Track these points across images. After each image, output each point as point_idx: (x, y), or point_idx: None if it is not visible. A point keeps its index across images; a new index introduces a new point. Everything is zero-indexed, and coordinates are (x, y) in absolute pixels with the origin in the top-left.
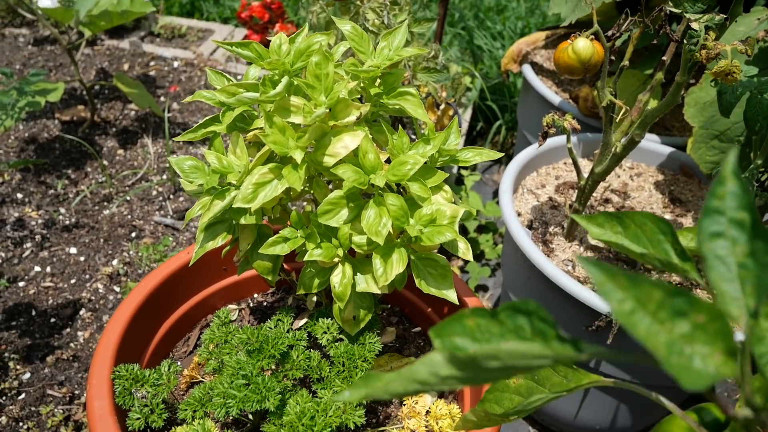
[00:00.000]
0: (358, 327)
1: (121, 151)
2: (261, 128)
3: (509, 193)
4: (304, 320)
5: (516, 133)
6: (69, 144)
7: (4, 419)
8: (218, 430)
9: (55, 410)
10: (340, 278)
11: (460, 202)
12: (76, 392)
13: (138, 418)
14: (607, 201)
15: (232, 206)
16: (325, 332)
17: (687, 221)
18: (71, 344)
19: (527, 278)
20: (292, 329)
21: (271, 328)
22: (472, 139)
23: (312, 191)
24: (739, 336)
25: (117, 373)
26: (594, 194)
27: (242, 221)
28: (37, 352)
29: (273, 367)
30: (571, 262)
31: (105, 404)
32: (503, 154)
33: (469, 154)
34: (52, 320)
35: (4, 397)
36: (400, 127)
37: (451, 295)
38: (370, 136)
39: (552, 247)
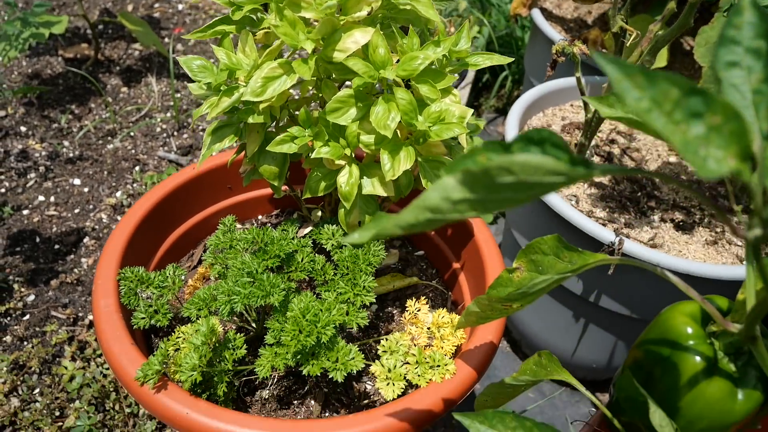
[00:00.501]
0: None
1: (125, 89)
2: (269, 28)
3: (515, 130)
4: (309, 229)
5: (522, 87)
6: (72, 80)
7: (9, 338)
8: (222, 328)
9: (59, 330)
10: (346, 178)
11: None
12: (80, 314)
13: (143, 318)
14: (612, 141)
15: (241, 101)
16: (330, 238)
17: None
18: (75, 270)
19: (530, 212)
20: (296, 236)
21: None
22: (478, 90)
23: (321, 93)
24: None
25: (122, 274)
26: (600, 135)
27: (250, 120)
28: (42, 276)
29: (277, 266)
30: (575, 197)
31: (111, 302)
32: (513, 59)
33: (479, 59)
34: (56, 247)
35: (8, 318)
36: (411, 28)
37: None
38: (381, 32)
39: None
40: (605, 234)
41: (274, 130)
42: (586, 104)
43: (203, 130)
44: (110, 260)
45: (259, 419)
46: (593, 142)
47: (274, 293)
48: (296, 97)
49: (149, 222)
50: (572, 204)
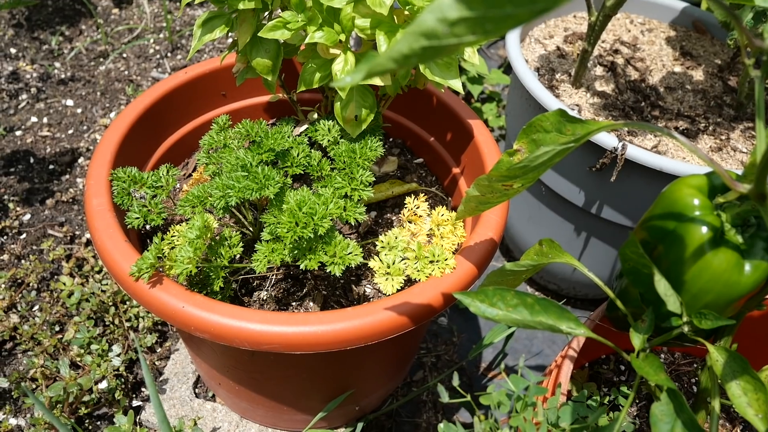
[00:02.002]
0: (360, 128)
1: (116, 10)
2: None
3: (517, 39)
4: (305, 127)
5: None
6: (62, 2)
7: (6, 257)
8: (218, 225)
9: (57, 248)
10: (342, 66)
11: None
12: (77, 232)
13: (137, 217)
14: (616, 51)
15: None
16: (326, 134)
17: (697, 73)
18: (70, 189)
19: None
20: (292, 135)
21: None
22: None
23: None
24: None
25: (115, 174)
26: (603, 45)
27: (240, 6)
28: (37, 195)
29: (272, 161)
30: (577, 106)
31: (103, 201)
32: None
33: None
34: (51, 167)
35: (5, 237)
36: None
37: (456, 84)
38: None
39: (558, 93)
40: (608, 140)
41: (266, 20)
42: (589, 7)
43: (198, 51)
44: (102, 161)
45: (255, 312)
46: (597, 52)
47: (269, 185)
48: None
49: (141, 126)
50: (575, 113)
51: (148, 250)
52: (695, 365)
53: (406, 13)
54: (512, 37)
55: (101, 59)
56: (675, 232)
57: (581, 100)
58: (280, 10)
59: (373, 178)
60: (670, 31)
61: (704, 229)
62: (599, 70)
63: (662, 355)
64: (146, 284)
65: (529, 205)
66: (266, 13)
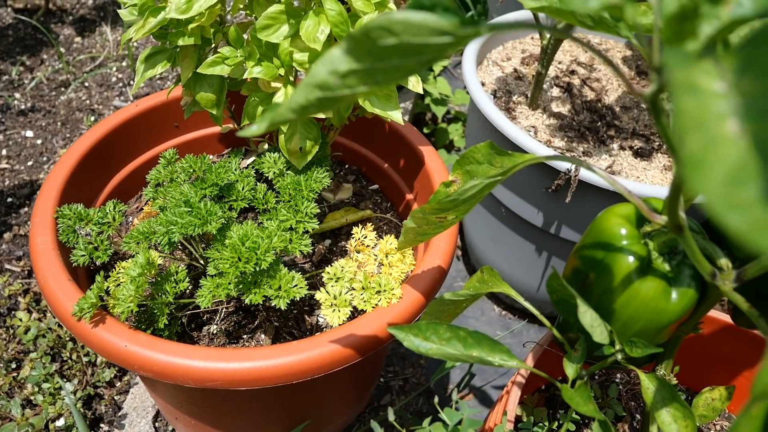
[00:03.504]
0: (305, 159)
1: (78, 39)
2: None
3: (473, 62)
4: (252, 159)
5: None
6: (23, 31)
7: None
8: (162, 261)
9: (14, 282)
10: (282, 99)
11: (428, 82)
12: None
13: (83, 255)
14: (572, 72)
15: (168, 20)
16: (272, 166)
17: None
18: (29, 222)
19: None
20: (239, 168)
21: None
22: None
23: (253, 13)
24: None
25: (60, 212)
26: (560, 66)
27: (181, 42)
28: None
29: (217, 195)
30: (533, 128)
31: (48, 240)
32: None
33: None
34: (9, 200)
35: None
36: None
37: (395, 116)
38: None
39: (515, 115)
40: (561, 162)
41: (209, 55)
42: (541, 31)
43: (161, 78)
44: (48, 198)
45: (198, 348)
46: (553, 73)
47: (211, 221)
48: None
49: (91, 160)
50: (530, 135)
51: (90, 290)
52: None
53: None
54: (468, 60)
55: (62, 89)
56: (603, 261)
57: (537, 122)
58: (223, 44)
59: (318, 210)
60: (626, 51)
61: (631, 259)
62: (556, 91)
63: (618, 375)
64: (89, 324)
65: (491, 226)
66: (210, 47)
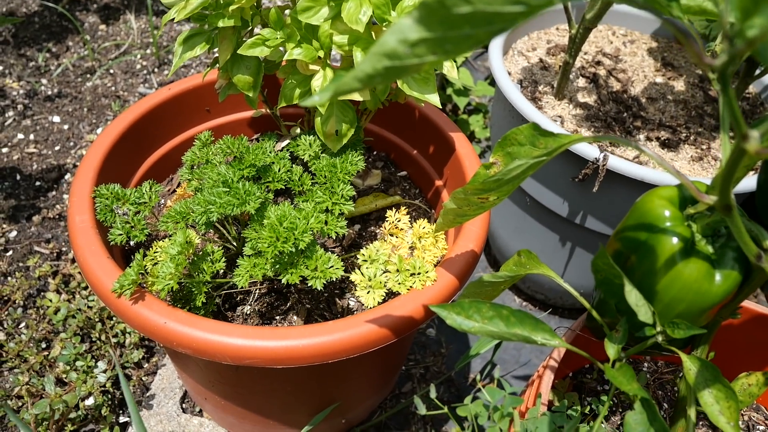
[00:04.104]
0: (340, 142)
1: (103, 27)
2: None
3: (499, 52)
4: (286, 142)
5: None
6: (49, 18)
7: None
8: (200, 240)
9: (43, 264)
10: (321, 82)
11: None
12: (63, 249)
13: (120, 234)
14: (598, 63)
15: (210, 1)
16: (307, 149)
17: (679, 84)
18: (57, 206)
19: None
20: (274, 150)
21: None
22: None
23: None
24: None
25: (98, 191)
26: (586, 57)
27: (221, 24)
28: (23, 212)
29: (253, 176)
30: (560, 117)
31: (86, 218)
32: None
33: None
34: (38, 183)
35: None
36: None
37: (434, 99)
38: None
39: (541, 104)
40: (590, 151)
41: (247, 38)
42: (570, 20)
43: (185, 66)
44: (85, 178)
45: (237, 326)
46: (579, 64)
47: (249, 201)
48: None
49: (125, 143)
50: (557, 125)
51: (129, 267)
52: (677, 373)
53: (384, 29)
54: (495, 49)
55: (88, 75)
56: (647, 243)
57: (564, 112)
58: (260, 27)
59: (354, 192)
60: (652, 42)
61: (675, 240)
62: (582, 82)
63: (645, 364)
64: (128, 300)
65: (515, 216)
66: (247, 30)
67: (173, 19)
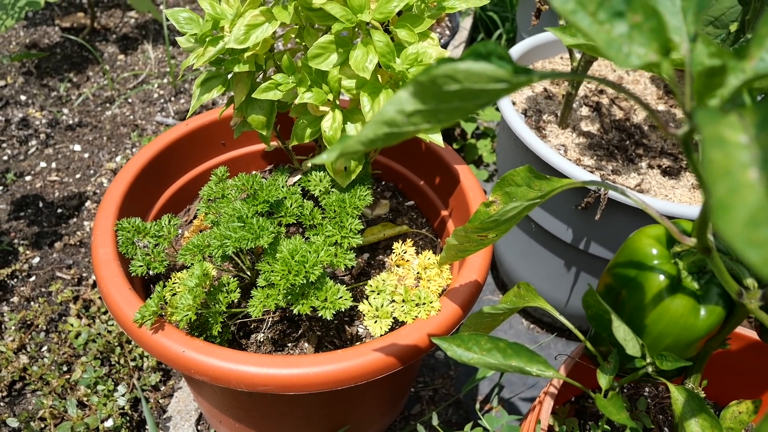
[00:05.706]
0: (349, 178)
1: (121, 57)
2: None
3: None
4: (298, 177)
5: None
6: (70, 49)
7: (15, 299)
8: (216, 272)
9: (65, 290)
10: (330, 123)
11: None
12: (84, 274)
13: (140, 266)
14: (601, 92)
15: (226, 49)
16: (317, 184)
17: (680, 112)
18: (78, 232)
19: (520, 162)
20: (286, 185)
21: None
22: None
23: (304, 41)
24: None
25: (120, 225)
26: (589, 86)
27: (236, 69)
28: (45, 239)
29: (267, 211)
30: (563, 146)
31: (109, 251)
32: (489, 1)
33: (456, 2)
34: (59, 211)
35: (15, 279)
36: None
37: (437, 139)
38: None
39: (545, 133)
40: (592, 179)
41: (260, 80)
42: (571, 53)
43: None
44: (108, 212)
45: (251, 355)
46: (582, 92)
47: (263, 235)
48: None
49: (145, 177)
50: (560, 153)
51: (150, 298)
52: None
53: (389, 74)
54: None
55: (107, 104)
56: (636, 279)
57: (567, 141)
58: (273, 70)
59: (362, 226)
60: None
61: (662, 277)
62: (585, 111)
63: (647, 388)
64: (149, 330)
65: (521, 242)
66: (260, 72)
67: (191, 65)
